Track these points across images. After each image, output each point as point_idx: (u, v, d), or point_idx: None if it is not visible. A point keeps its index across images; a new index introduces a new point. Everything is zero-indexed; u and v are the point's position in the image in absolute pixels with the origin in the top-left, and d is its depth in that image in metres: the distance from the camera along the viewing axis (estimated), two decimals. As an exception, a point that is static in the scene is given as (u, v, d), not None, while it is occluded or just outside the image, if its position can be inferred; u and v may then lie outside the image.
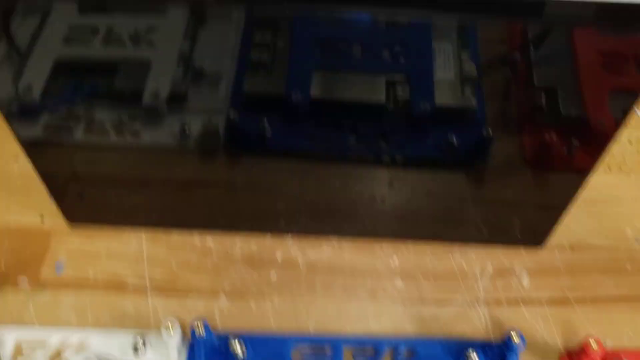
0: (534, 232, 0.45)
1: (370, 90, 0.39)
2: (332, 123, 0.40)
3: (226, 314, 0.41)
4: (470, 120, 0.39)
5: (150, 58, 0.36)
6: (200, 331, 0.36)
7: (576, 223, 0.46)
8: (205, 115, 0.39)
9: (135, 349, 0.38)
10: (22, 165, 0.47)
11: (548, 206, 0.44)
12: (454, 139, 0.40)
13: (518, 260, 0.44)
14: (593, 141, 0.40)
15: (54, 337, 0.39)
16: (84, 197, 0.44)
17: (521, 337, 0.36)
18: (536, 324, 0.41)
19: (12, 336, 0.39)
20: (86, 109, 0.38)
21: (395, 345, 0.39)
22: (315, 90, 0.37)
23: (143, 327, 0.40)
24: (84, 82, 0.37)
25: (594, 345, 0.36)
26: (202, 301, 0.41)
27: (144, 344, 0.38)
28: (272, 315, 0.41)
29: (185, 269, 0.43)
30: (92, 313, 0.40)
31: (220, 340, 0.38)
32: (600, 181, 0.48)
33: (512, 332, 0.37)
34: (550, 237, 0.44)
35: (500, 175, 0.42)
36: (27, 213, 0.45)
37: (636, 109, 0.36)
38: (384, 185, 0.43)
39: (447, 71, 0.38)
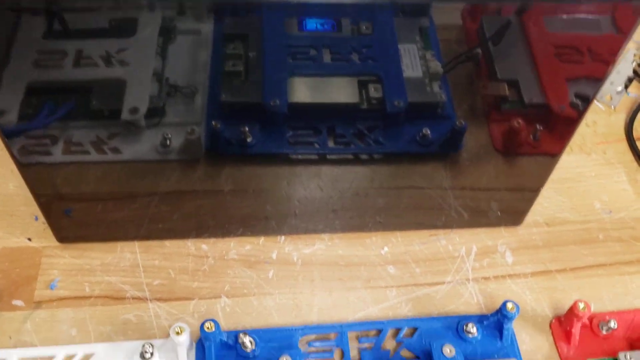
0: (511, 213, 0.47)
1: (344, 92, 0.41)
2: (311, 125, 0.42)
3: (229, 314, 0.41)
4: (442, 114, 0.42)
5: (124, 77, 0.37)
6: (211, 328, 0.36)
7: (549, 201, 0.49)
8: (185, 127, 0.39)
9: (143, 356, 0.38)
10: (1, 190, 0.46)
11: (522, 188, 0.47)
12: (428, 133, 0.43)
13: (500, 239, 0.46)
14: (558, 126, 0.43)
15: (57, 354, 0.39)
16: (72, 215, 0.44)
17: (516, 306, 0.39)
18: (524, 296, 0.43)
19: (13, 357, 0.38)
20: (64, 129, 0.38)
21: (397, 325, 0.40)
22: (290, 96, 0.39)
23: (147, 337, 0.40)
24: (59, 103, 0.38)
25: (581, 306, 0.39)
26: (204, 304, 0.42)
27: (152, 350, 0.38)
28: (275, 310, 0.42)
29: (184, 274, 0.43)
30: (93, 327, 0.40)
31: (229, 337, 0.38)
32: (565, 161, 0.51)
33: (507, 302, 0.39)
34: (526, 216, 0.47)
35: (474, 164, 0.45)
36: (13, 236, 0.44)
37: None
38: (367, 181, 0.45)
39: (414, 70, 0.41)
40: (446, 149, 0.43)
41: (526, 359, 0.40)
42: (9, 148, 0.38)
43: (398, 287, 0.43)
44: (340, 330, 0.40)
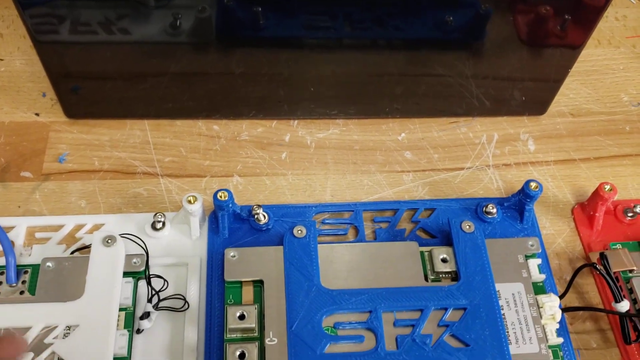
0: (535, 102, 0.46)
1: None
2: (327, 10, 0.39)
3: (242, 191, 0.40)
4: (465, 1, 0.39)
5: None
6: (225, 197, 0.35)
7: (574, 92, 0.47)
8: (195, 9, 0.38)
9: (154, 226, 0.37)
10: (8, 67, 0.45)
11: (545, 78, 0.45)
12: (451, 19, 0.40)
13: (522, 128, 0.45)
14: (583, 15, 0.40)
15: (67, 223, 0.38)
16: (81, 92, 0.43)
17: (539, 184, 0.37)
18: (545, 182, 0.42)
19: (22, 225, 0.38)
20: (72, 8, 0.37)
21: (413, 206, 0.39)
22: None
23: (158, 210, 0.39)
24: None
25: (607, 188, 0.38)
26: (216, 181, 0.41)
27: (163, 219, 0.37)
28: (288, 189, 0.41)
29: (195, 153, 0.42)
30: (103, 199, 0.39)
31: (243, 210, 0.37)
32: (592, 54, 0.49)
33: (530, 181, 0.37)
34: (551, 106, 0.45)
35: (497, 53, 0.43)
36: (20, 111, 0.43)
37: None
38: (384, 67, 0.43)
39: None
40: (469, 37, 0.41)
41: (547, 243, 0.39)
42: (25, 22, 0.36)
43: (415, 172, 0.42)
44: (354, 209, 0.39)
